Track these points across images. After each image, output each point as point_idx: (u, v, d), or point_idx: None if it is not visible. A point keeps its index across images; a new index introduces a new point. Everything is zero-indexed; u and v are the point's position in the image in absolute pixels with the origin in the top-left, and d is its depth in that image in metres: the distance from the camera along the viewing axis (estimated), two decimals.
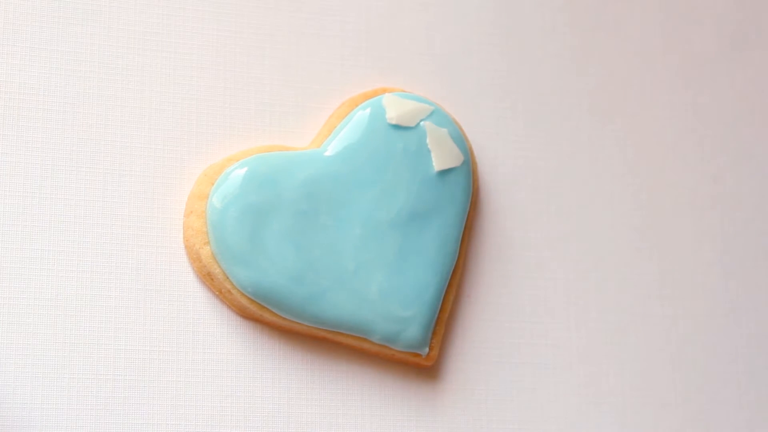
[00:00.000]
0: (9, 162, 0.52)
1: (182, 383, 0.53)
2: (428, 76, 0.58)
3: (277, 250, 0.53)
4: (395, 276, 0.54)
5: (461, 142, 0.56)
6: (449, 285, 0.56)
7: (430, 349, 0.55)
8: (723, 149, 0.62)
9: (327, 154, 0.55)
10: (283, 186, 0.53)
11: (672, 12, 0.63)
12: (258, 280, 0.52)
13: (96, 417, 0.51)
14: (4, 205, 0.52)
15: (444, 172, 0.56)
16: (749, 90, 0.63)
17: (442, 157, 0.56)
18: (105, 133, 0.54)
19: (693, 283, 0.60)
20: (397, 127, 0.55)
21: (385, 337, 0.54)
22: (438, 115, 0.56)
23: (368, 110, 0.55)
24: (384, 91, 0.56)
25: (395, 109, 0.55)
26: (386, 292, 0.54)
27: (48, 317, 0.52)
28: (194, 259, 0.53)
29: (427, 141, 0.55)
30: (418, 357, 0.55)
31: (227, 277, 0.53)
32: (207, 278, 0.53)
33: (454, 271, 0.56)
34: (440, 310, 0.56)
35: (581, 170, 0.60)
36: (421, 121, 0.56)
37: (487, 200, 0.58)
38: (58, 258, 0.52)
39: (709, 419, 0.59)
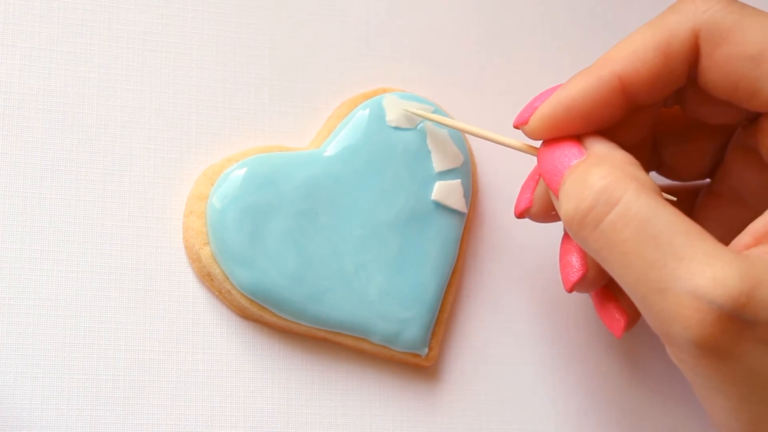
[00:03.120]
0: (9, 162, 0.52)
1: (182, 383, 0.53)
2: (428, 76, 0.58)
3: (277, 251, 0.53)
4: (395, 276, 0.54)
5: (461, 142, 0.56)
6: (449, 285, 0.56)
7: (430, 349, 0.55)
8: None
9: (326, 154, 0.54)
10: (282, 186, 0.53)
11: None
12: (258, 281, 0.52)
13: (96, 417, 0.52)
14: (4, 205, 0.52)
15: (444, 173, 0.56)
16: None
17: (442, 157, 0.55)
18: (105, 133, 0.54)
19: None
20: (397, 127, 0.55)
21: (385, 337, 0.54)
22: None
23: (368, 110, 0.55)
24: (384, 91, 0.56)
25: (395, 109, 0.55)
26: (386, 293, 0.54)
27: (48, 317, 0.52)
28: (194, 259, 0.53)
29: (427, 141, 0.55)
30: (418, 357, 0.55)
31: (227, 278, 0.53)
32: (207, 278, 0.53)
33: (454, 271, 0.56)
34: (440, 311, 0.55)
35: None
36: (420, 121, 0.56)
37: (487, 200, 0.58)
38: (58, 258, 0.52)
39: (709, 419, 0.59)
